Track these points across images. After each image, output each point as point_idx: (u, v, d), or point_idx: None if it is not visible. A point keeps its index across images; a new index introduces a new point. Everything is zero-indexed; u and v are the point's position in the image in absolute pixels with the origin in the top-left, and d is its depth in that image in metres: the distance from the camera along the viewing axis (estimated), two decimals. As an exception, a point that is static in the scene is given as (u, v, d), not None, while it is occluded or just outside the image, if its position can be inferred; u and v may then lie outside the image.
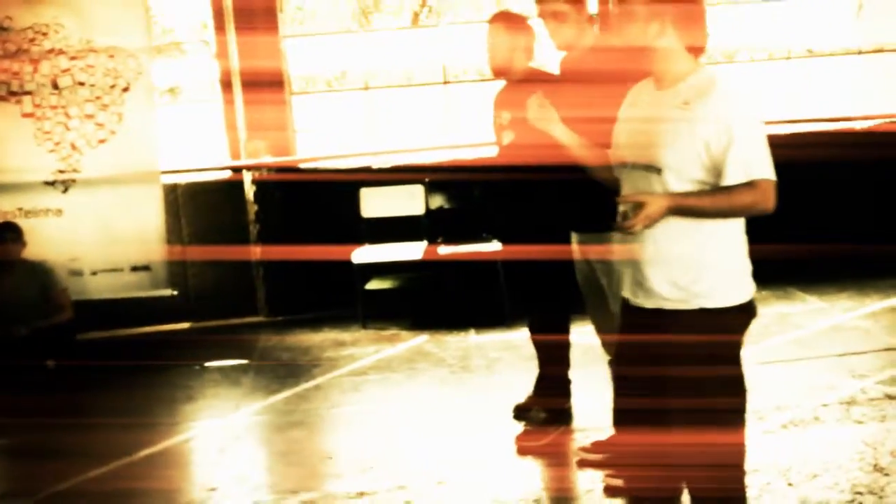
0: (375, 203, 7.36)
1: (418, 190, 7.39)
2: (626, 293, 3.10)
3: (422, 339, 6.60)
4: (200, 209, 7.46)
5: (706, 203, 2.86)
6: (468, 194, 7.43)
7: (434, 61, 7.77)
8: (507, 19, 4.72)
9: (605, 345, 4.42)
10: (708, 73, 2.95)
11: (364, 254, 7.05)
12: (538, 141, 4.40)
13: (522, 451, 4.66)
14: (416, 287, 7.39)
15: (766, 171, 2.85)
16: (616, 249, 3.16)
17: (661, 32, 2.92)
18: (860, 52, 7.95)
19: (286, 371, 6.17)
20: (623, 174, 3.08)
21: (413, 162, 7.62)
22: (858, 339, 5.76)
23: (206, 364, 6.42)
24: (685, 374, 2.91)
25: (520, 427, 4.86)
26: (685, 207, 2.86)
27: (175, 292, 7.14)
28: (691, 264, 2.92)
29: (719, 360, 2.96)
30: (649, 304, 3.00)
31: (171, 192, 7.31)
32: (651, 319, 3.00)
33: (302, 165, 7.64)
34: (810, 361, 5.27)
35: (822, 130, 7.30)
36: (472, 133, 7.81)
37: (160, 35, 8.38)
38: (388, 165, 7.57)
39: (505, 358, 6.08)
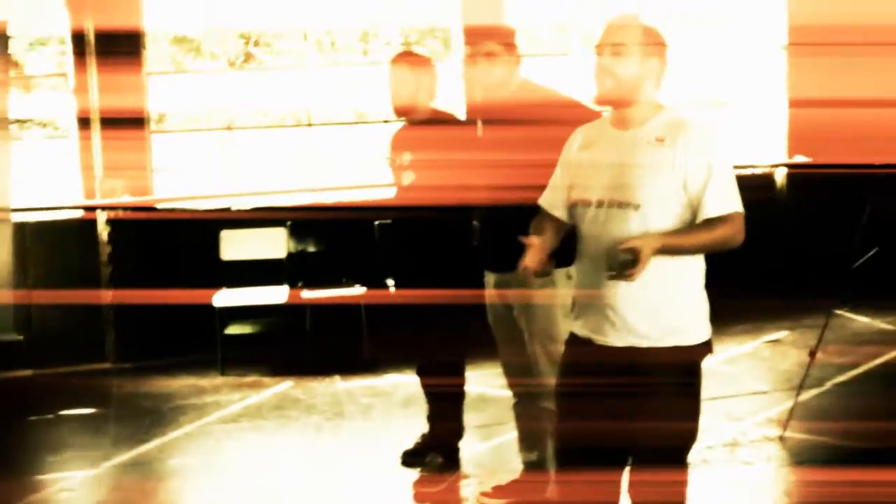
0: (236, 245, 7.19)
1: (280, 233, 7.26)
2: (587, 332, 3.12)
3: (287, 386, 6.45)
4: (50, 250, 7.10)
5: (690, 240, 2.95)
6: (330, 237, 7.36)
7: (298, 104, 7.70)
8: (412, 59, 4.73)
9: (514, 387, 4.42)
10: (676, 111, 3.07)
11: (224, 297, 6.85)
12: (441, 182, 4.44)
13: (420, 498, 4.62)
14: (277, 332, 7.25)
15: (739, 204, 2.97)
16: (579, 290, 3.18)
17: (653, 70, 3.04)
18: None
19: (151, 419, 5.90)
20: (586, 214, 3.11)
21: (275, 204, 7.50)
22: (723, 384, 5.98)
23: (62, 412, 6.07)
24: (653, 410, 2.97)
25: (409, 473, 4.81)
26: (670, 247, 2.90)
27: (21, 337, 6.75)
28: (665, 301, 2.99)
29: (687, 396, 3.04)
30: (620, 342, 3.03)
31: (19, 231, 6.92)
32: (620, 357, 3.02)
33: (160, 206, 7.39)
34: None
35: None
36: (334, 176, 7.79)
37: (18, 67, 7.96)
38: (249, 207, 7.43)
39: (378, 404, 6.02)
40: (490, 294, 4.37)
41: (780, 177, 8.21)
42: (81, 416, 6.02)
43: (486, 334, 4.59)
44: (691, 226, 2.96)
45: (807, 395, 5.44)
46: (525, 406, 4.39)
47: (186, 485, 4.94)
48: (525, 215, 3.91)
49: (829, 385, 5.87)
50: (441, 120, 4.75)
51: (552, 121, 3.98)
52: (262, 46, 11.28)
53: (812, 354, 5.23)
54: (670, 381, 2.98)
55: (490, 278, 4.36)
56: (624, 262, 2.80)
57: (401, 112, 4.73)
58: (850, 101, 7.05)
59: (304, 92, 7.82)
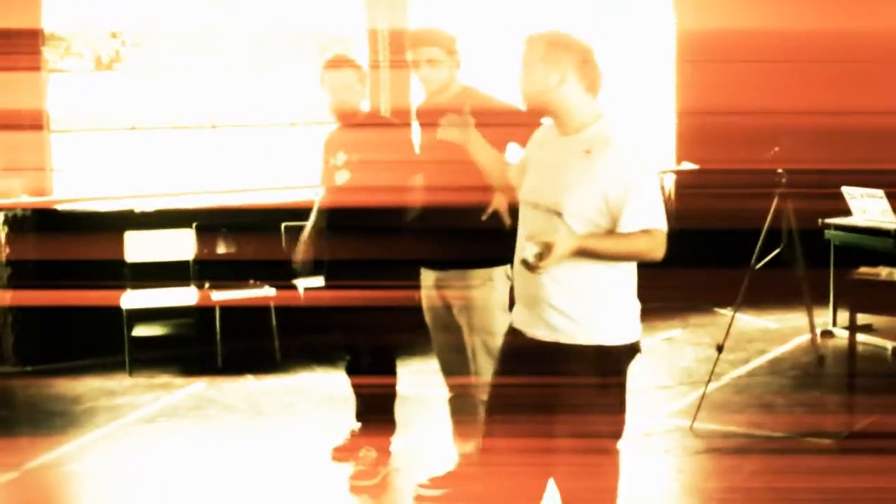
0: (141, 247, 7.13)
1: (187, 234, 7.23)
2: (521, 325, 3.24)
3: (200, 386, 6.44)
4: (-58, 250, 6.90)
5: (607, 246, 3.05)
6: (238, 239, 7.37)
7: (202, 105, 7.68)
8: (350, 63, 4.83)
9: (451, 385, 4.56)
10: (608, 123, 3.16)
11: (131, 299, 6.80)
12: (376, 182, 4.57)
13: (356, 491, 4.72)
14: (186, 333, 7.23)
15: (659, 221, 3.08)
16: (516, 284, 3.31)
17: (563, 81, 3.12)
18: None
19: (64, 421, 5.82)
20: (525, 212, 3.25)
21: (181, 206, 7.45)
22: (630, 379, 6.23)
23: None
24: (572, 404, 3.09)
25: (341, 468, 4.91)
26: (587, 249, 3.01)
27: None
28: (589, 300, 3.10)
29: (606, 394, 3.15)
30: (549, 337, 3.14)
31: (-89, 232, 6.74)
32: (547, 351, 3.14)
33: (61, 206, 7.27)
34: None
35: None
36: (240, 178, 7.79)
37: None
38: (154, 209, 7.37)
39: (297, 402, 6.08)
40: (429, 294, 4.50)
41: (669, 183, 8.59)
42: (-10, 420, 5.91)
43: (408, 334, 4.78)
44: (611, 234, 3.04)
45: (708, 388, 5.74)
46: (461, 400, 4.54)
47: (113, 485, 4.88)
48: (463, 215, 4.09)
49: (727, 379, 6.23)
50: (377, 122, 4.88)
51: (491, 126, 4.16)
52: (133, 46, 11.03)
53: (720, 349, 5.55)
54: (591, 377, 3.10)
55: (429, 279, 4.48)
56: (537, 255, 2.93)
57: (341, 115, 4.82)
58: (734, 109, 7.46)
59: (187, 93, 7.80)
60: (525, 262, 2.98)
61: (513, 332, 3.31)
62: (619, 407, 3.21)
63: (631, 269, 3.19)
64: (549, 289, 3.11)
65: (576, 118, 3.15)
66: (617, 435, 3.23)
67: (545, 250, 2.93)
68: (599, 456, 3.20)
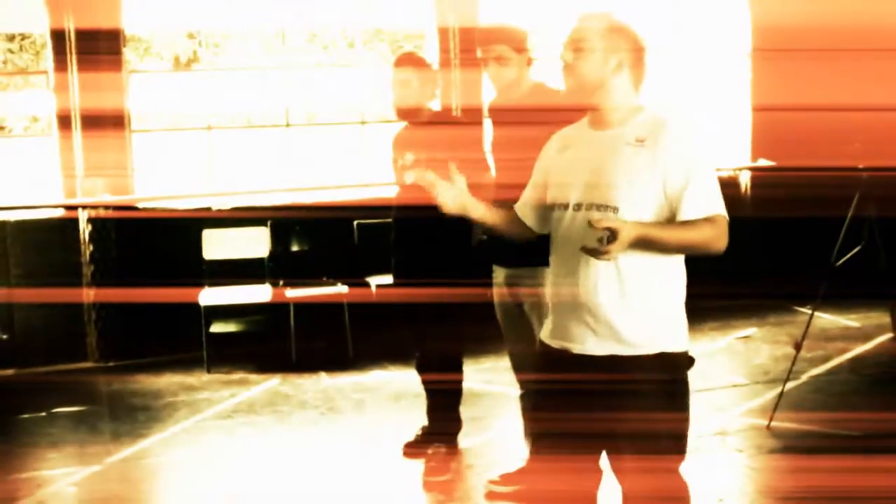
0: (218, 245, 7.25)
1: (262, 232, 7.34)
2: (562, 341, 3.03)
3: (275, 382, 6.53)
4: (30, 248, 7.08)
5: (669, 235, 2.84)
6: (311, 237, 7.47)
7: (276, 104, 7.78)
8: (417, 62, 4.83)
9: (521, 381, 4.56)
10: (655, 111, 2.98)
11: (209, 296, 6.91)
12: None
13: (428, 487, 4.74)
14: (261, 330, 7.33)
15: (721, 207, 2.88)
16: (555, 295, 3.09)
17: (619, 68, 2.97)
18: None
19: (145, 416, 5.95)
20: (563, 217, 3.03)
21: (256, 203, 7.56)
22: (703, 378, 6.19)
23: (55, 410, 6.08)
24: (634, 421, 2.93)
25: (412, 464, 4.93)
26: (650, 238, 2.80)
27: (5, 336, 6.74)
28: (649, 309, 2.93)
29: (669, 407, 2.98)
30: (601, 350, 2.94)
31: (0, 230, 6.92)
32: (600, 367, 2.94)
33: (141, 205, 7.42)
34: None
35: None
36: (313, 175, 7.88)
37: None
38: (230, 206, 7.48)
39: (368, 399, 6.13)
40: (500, 291, 4.51)
41: (745, 179, 8.49)
42: (74, 414, 6.04)
43: (477, 332, 4.79)
44: (674, 222, 2.86)
45: (786, 386, 5.65)
46: (531, 397, 4.53)
47: (192, 478, 4.99)
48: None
49: (805, 377, 6.12)
50: (443, 121, 4.89)
51: (564, 123, 4.14)
52: (209, 47, 11.26)
53: (797, 347, 5.46)
54: (653, 389, 2.93)
55: (500, 276, 4.49)
56: (600, 239, 2.71)
57: (405, 114, 4.83)
58: (812, 105, 7.32)
59: (261, 92, 7.90)
60: (589, 249, 2.74)
61: (550, 353, 3.06)
62: (679, 421, 3.01)
63: (682, 274, 3.00)
64: (608, 299, 2.91)
65: (620, 110, 2.98)
66: (676, 452, 3.03)
67: (611, 235, 2.70)
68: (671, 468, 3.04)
